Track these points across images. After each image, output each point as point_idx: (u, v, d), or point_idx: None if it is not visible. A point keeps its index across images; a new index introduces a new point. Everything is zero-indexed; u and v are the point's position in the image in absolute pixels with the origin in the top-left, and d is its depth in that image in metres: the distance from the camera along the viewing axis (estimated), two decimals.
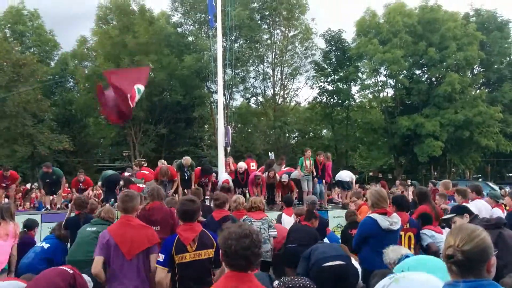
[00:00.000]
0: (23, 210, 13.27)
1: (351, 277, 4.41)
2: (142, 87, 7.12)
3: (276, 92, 33.62)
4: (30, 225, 6.49)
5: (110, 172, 10.98)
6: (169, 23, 31.05)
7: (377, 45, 27.22)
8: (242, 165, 10.83)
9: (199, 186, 9.68)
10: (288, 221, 7.05)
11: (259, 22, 31.74)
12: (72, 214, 7.24)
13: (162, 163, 10.79)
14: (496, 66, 30.72)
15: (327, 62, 32.15)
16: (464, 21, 29.15)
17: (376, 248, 4.01)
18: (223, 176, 10.62)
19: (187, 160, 10.36)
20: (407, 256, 3.48)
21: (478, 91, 29.92)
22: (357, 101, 32.70)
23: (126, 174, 11.17)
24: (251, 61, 31.61)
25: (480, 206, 6.22)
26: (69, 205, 9.61)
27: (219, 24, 12.24)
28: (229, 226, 2.21)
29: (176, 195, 9.53)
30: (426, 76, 29.95)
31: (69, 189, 13.33)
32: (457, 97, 27.20)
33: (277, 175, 10.56)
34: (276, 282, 3.69)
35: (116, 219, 5.23)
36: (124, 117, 7.10)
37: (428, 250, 4.87)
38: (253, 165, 11.75)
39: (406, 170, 32.97)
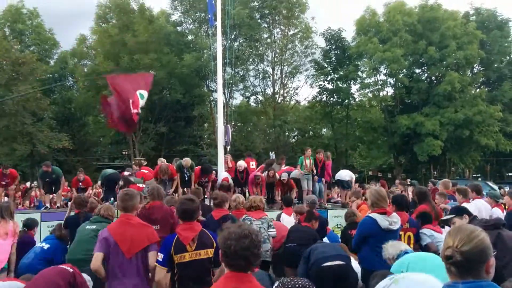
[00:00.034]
0: (23, 209, 13.26)
1: (351, 277, 4.40)
2: (145, 93, 7.09)
3: (276, 91, 33.63)
4: (30, 225, 6.42)
5: (109, 171, 10.97)
6: (169, 22, 30.98)
7: (377, 44, 27.17)
8: (241, 163, 10.81)
9: (199, 185, 9.62)
10: (288, 220, 7.01)
11: (258, 20, 31.67)
12: (72, 213, 7.24)
13: (162, 161, 10.77)
14: (496, 65, 30.70)
15: (327, 61, 32.10)
16: (464, 20, 29.10)
17: (375, 247, 4.01)
18: (223, 174, 10.59)
19: (187, 161, 10.31)
20: (406, 252, 3.48)
21: (478, 90, 29.89)
22: (357, 100, 32.74)
23: (126, 173, 11.13)
24: (250, 60, 31.58)
25: (480, 206, 6.23)
26: (69, 204, 9.61)
27: (218, 23, 12.22)
28: (228, 226, 2.20)
29: (176, 194, 9.51)
30: (426, 75, 29.92)
31: (68, 188, 13.34)
32: (457, 96, 27.17)
33: (276, 174, 10.52)
34: (276, 283, 3.70)
35: (115, 218, 5.23)
36: (132, 124, 7.10)
37: (427, 250, 4.84)
38: (253, 164, 11.71)
39: (405, 169, 32.91)
